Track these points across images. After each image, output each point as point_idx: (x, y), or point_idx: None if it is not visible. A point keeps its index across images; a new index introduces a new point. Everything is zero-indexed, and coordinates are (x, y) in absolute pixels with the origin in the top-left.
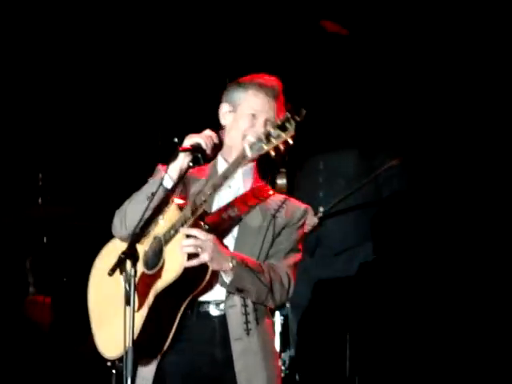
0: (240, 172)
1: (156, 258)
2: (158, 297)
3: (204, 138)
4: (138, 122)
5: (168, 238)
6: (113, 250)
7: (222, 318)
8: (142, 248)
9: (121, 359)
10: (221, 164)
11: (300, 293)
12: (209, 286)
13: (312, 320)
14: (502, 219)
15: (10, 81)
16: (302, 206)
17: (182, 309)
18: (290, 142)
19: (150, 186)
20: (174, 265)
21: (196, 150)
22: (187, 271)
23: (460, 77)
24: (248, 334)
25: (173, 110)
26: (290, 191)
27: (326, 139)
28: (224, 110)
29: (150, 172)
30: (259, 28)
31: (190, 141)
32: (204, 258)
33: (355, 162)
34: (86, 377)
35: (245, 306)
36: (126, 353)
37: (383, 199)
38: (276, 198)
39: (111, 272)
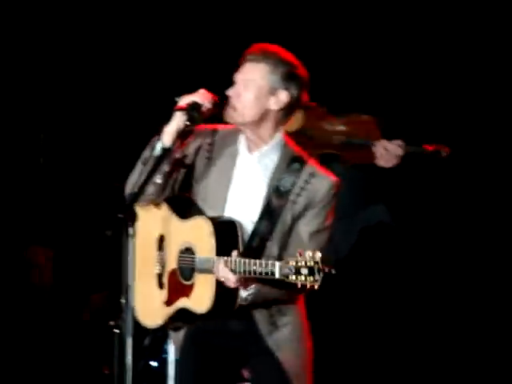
0: (257, 154)
1: (188, 273)
2: (184, 308)
3: (199, 96)
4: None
5: (200, 266)
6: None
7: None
8: (177, 238)
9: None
10: (242, 149)
11: None
12: None
13: None
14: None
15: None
16: (328, 181)
17: None
18: (316, 288)
19: (147, 151)
20: (201, 300)
21: (192, 108)
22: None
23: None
24: (276, 327)
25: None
26: None
27: None
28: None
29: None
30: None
31: (185, 100)
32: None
33: None
34: (88, 336)
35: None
36: (127, 312)
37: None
38: (304, 174)
39: (109, 232)
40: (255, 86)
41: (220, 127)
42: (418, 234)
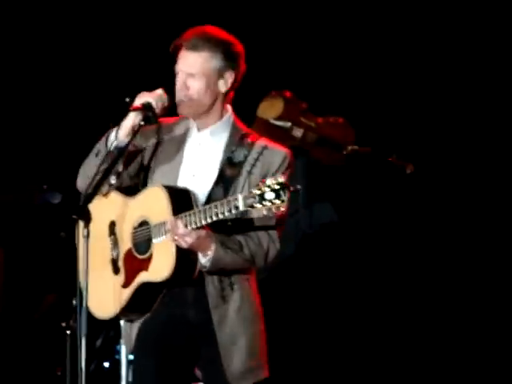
0: (208, 130)
1: (145, 246)
2: (144, 283)
3: (154, 98)
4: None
5: (157, 233)
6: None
7: (197, 282)
8: (129, 217)
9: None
10: (192, 130)
11: None
12: None
13: None
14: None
15: None
16: (281, 152)
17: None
18: (283, 209)
19: (101, 144)
20: (161, 267)
21: (147, 109)
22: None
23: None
24: (224, 300)
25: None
26: None
27: None
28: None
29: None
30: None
31: (140, 100)
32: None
33: None
34: (40, 337)
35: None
36: (80, 314)
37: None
38: (256, 147)
39: (63, 233)
40: (202, 74)
41: (164, 120)
42: (363, 232)
